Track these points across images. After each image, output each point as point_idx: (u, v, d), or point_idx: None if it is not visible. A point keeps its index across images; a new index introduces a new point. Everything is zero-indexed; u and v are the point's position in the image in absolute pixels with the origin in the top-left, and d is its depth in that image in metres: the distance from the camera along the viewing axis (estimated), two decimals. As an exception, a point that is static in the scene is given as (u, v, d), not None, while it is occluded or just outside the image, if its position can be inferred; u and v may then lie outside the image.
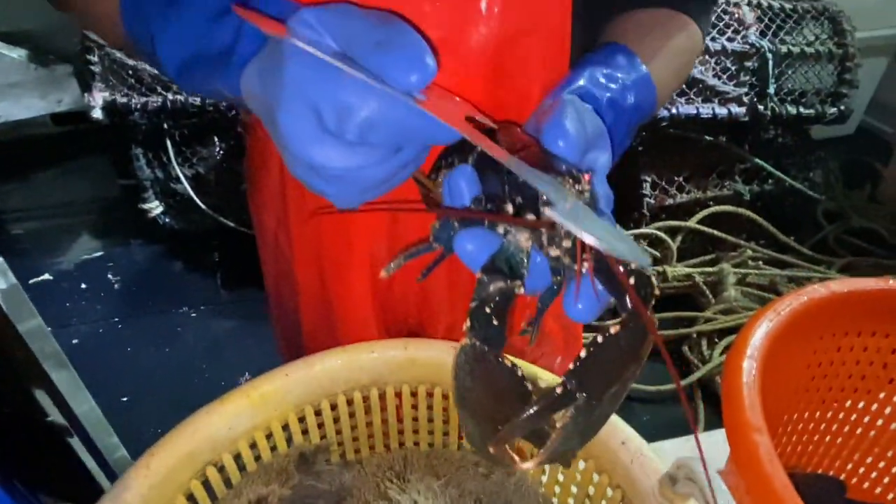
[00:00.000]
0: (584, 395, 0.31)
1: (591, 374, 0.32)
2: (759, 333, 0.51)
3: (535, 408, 0.31)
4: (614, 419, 0.44)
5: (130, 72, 1.63)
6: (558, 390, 0.31)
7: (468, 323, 0.33)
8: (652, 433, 0.46)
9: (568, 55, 0.50)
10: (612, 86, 0.41)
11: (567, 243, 0.32)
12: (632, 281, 0.31)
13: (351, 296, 0.61)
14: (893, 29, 2.17)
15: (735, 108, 1.66)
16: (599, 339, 0.32)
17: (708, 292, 1.77)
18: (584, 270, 0.32)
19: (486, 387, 0.33)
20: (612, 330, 0.32)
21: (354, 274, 0.59)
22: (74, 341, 1.66)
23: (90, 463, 0.89)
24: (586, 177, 0.32)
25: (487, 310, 0.32)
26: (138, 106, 1.60)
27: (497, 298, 0.33)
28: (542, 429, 0.34)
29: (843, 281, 0.56)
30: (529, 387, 0.33)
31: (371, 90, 0.29)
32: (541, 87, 0.50)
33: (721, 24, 1.75)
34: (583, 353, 0.32)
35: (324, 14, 0.31)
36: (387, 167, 0.32)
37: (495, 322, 0.32)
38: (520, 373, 0.33)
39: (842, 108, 1.82)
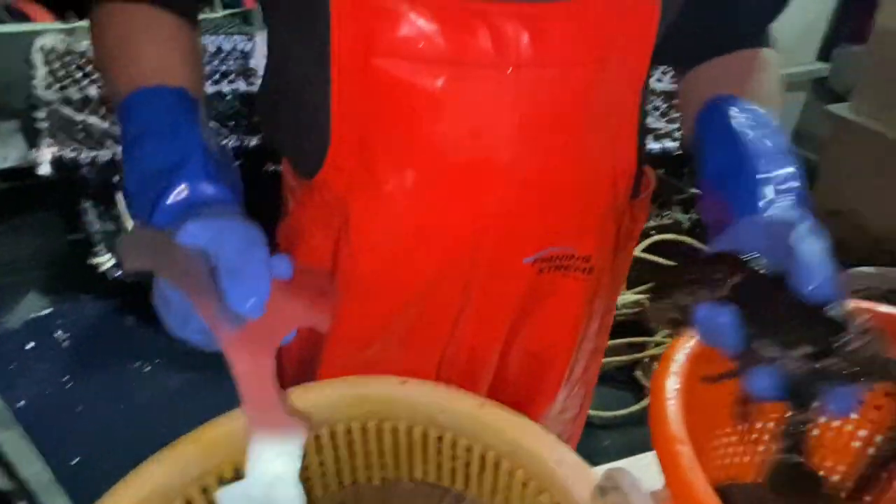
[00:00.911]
0: None
1: None
2: (682, 352, 0.55)
3: None
4: (551, 439, 0.47)
5: (80, 126, 1.63)
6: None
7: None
8: (613, 457, 0.49)
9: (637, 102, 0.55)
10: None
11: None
12: None
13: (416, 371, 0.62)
14: (806, 66, 2.36)
15: (668, 143, 1.77)
16: None
17: (657, 318, 1.84)
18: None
19: None
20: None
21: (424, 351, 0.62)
22: (21, 403, 1.59)
23: (38, 528, 0.86)
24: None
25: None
26: (87, 160, 1.59)
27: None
28: None
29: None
30: None
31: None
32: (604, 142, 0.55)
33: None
34: None
35: (206, 227, 0.39)
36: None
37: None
38: None
39: (767, 139, 1.95)
